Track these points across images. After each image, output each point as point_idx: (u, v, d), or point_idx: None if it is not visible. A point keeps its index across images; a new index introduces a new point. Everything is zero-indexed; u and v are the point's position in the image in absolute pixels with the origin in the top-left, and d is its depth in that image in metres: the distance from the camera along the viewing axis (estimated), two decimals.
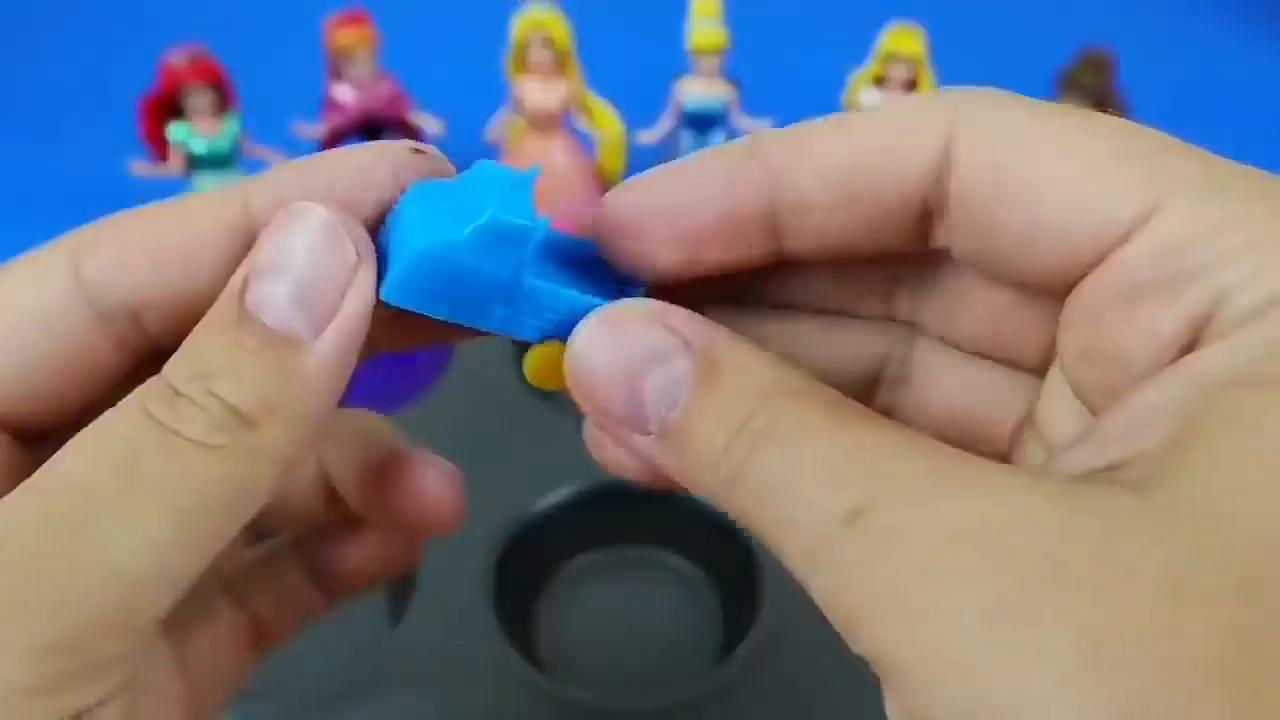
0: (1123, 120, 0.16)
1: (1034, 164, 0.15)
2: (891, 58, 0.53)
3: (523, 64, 0.54)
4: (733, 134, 0.56)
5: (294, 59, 0.56)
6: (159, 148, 0.53)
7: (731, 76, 0.55)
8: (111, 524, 0.16)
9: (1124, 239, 0.15)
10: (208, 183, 0.53)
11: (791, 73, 0.64)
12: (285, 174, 0.18)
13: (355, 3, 0.54)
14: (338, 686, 0.37)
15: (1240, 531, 0.12)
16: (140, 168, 0.53)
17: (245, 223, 0.18)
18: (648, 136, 0.57)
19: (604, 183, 0.59)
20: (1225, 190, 0.15)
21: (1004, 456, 0.18)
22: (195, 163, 0.53)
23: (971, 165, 0.16)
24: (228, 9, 0.80)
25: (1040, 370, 0.18)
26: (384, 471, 0.24)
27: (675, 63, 0.55)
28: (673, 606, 0.42)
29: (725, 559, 0.42)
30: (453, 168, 0.19)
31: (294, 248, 0.17)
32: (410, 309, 0.17)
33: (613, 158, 0.59)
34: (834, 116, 0.17)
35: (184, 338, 0.17)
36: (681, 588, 0.43)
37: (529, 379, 0.19)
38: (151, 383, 0.17)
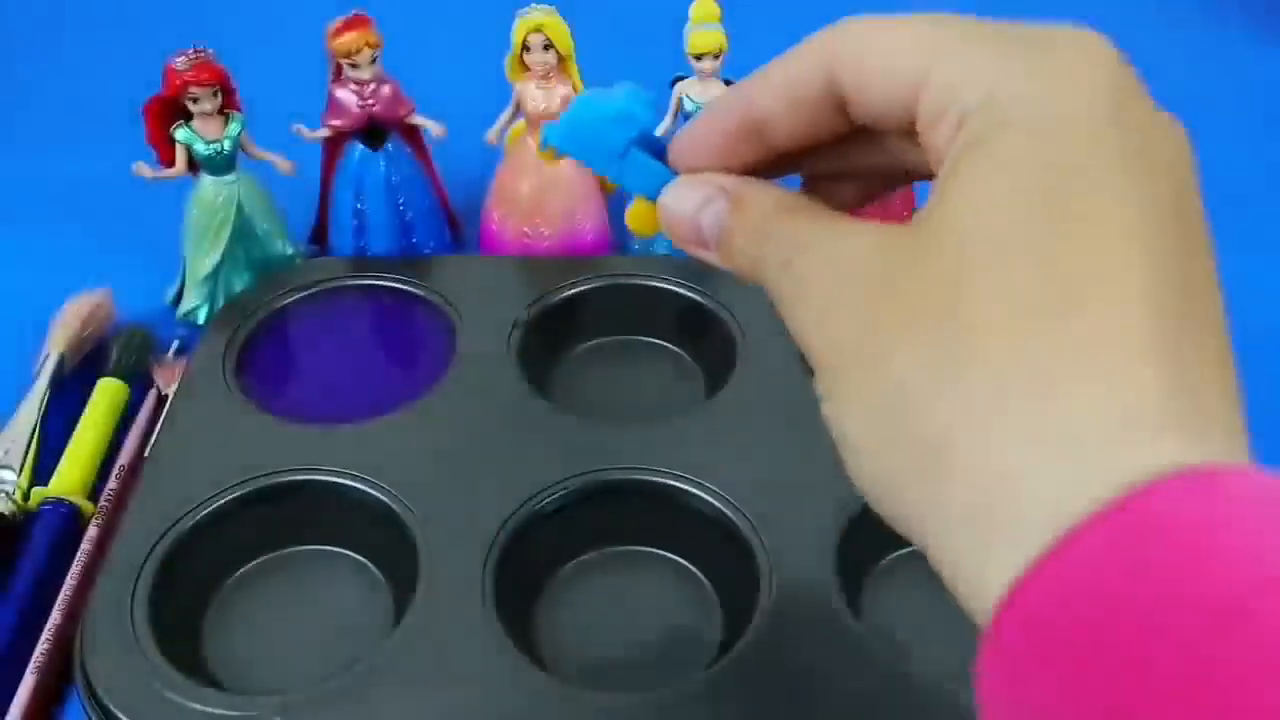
0: (954, 19, 0.23)
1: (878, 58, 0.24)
2: None
3: (523, 66, 0.55)
4: None
5: (296, 62, 0.57)
6: (163, 150, 0.53)
7: (729, 79, 0.55)
8: None
9: (916, 94, 0.23)
10: (211, 184, 0.54)
11: None
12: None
13: (357, 6, 0.54)
14: (339, 685, 0.37)
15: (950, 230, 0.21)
16: (143, 170, 0.53)
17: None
18: None
19: (604, 184, 0.60)
20: (965, 46, 0.22)
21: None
22: (199, 165, 0.53)
23: (850, 74, 0.24)
24: (231, 12, 0.81)
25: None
26: None
27: (675, 65, 0.55)
28: (671, 605, 0.43)
29: (724, 558, 0.42)
30: None
31: None
32: (565, 153, 0.28)
33: None
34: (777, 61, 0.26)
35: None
36: (680, 586, 0.43)
37: (629, 224, 0.28)
38: None
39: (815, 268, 0.23)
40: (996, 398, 0.19)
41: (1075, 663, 0.16)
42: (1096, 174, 0.20)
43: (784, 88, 0.25)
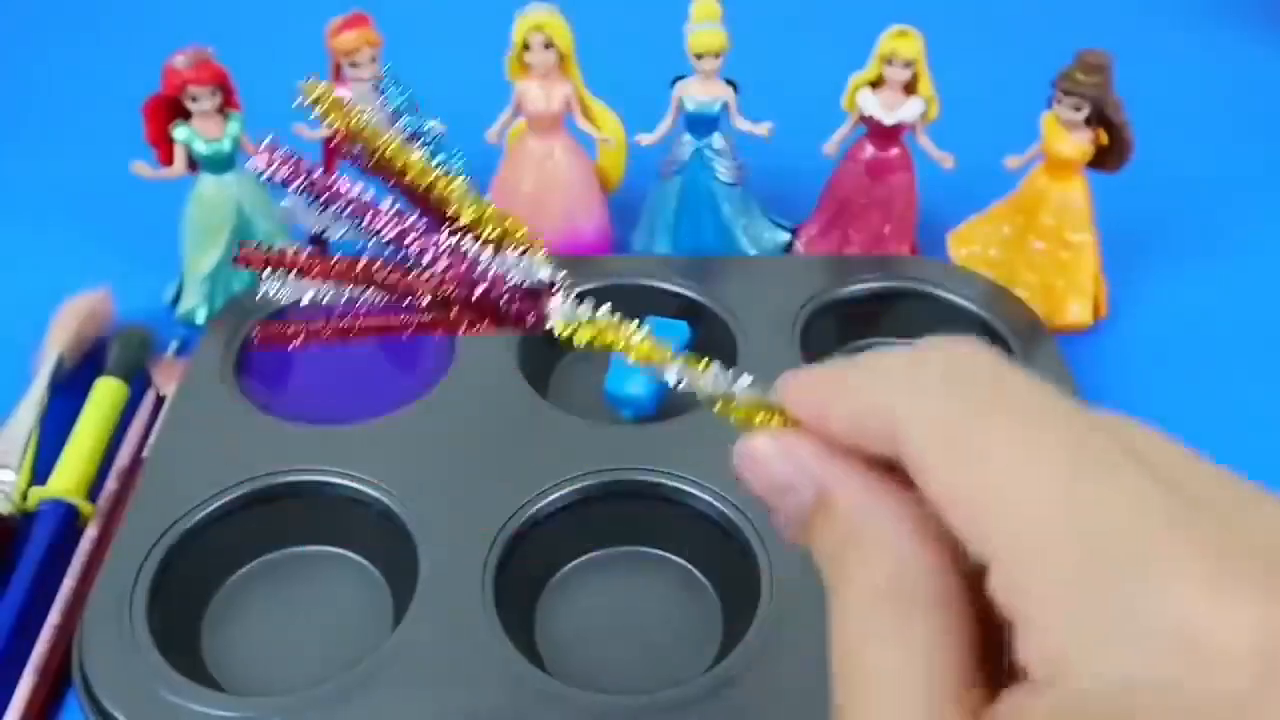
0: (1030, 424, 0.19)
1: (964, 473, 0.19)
2: (890, 60, 0.53)
3: (524, 65, 0.55)
4: (732, 136, 0.57)
5: (296, 61, 0.56)
6: (163, 149, 0.53)
7: (730, 79, 0.55)
8: None
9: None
10: (211, 184, 0.53)
11: (791, 75, 0.64)
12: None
13: (356, 5, 0.54)
14: (339, 685, 0.37)
15: None
16: (142, 169, 0.53)
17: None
18: (647, 138, 0.57)
19: (604, 184, 0.59)
20: (1036, 549, 0.18)
21: None
22: (198, 164, 0.53)
23: (917, 465, 0.20)
24: (231, 11, 0.81)
25: None
26: None
27: (675, 65, 0.55)
28: (672, 606, 0.42)
29: (724, 559, 0.42)
30: None
31: None
32: None
33: (614, 161, 0.59)
34: (844, 369, 0.22)
35: None
36: (681, 587, 0.43)
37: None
38: None
39: (874, 680, 0.19)
40: None
41: None
42: None
43: (845, 428, 0.22)
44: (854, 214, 0.58)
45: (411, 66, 0.56)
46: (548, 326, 0.27)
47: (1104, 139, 0.53)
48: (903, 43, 0.53)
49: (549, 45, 0.53)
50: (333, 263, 0.27)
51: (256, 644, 0.41)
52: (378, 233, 0.27)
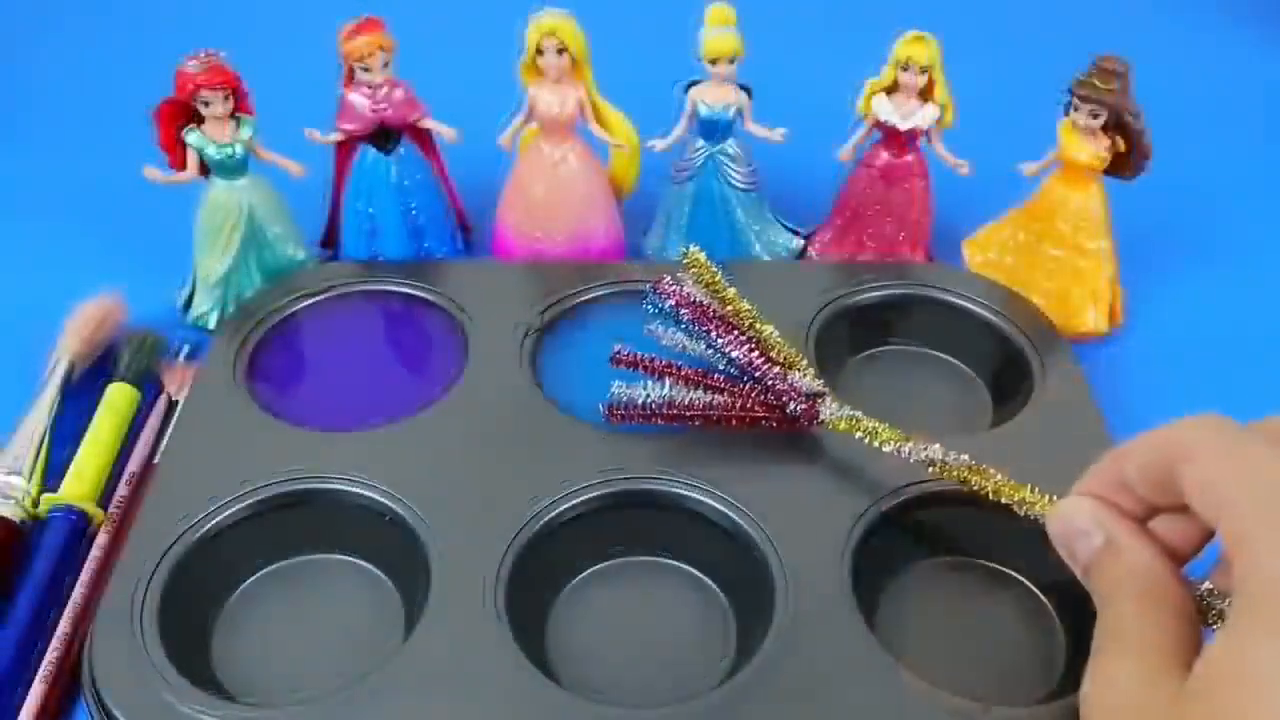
0: None
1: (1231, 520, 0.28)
2: (905, 65, 0.53)
3: (536, 70, 0.54)
4: (746, 142, 0.56)
5: (308, 65, 0.56)
6: (174, 154, 0.53)
7: (743, 84, 0.55)
8: None
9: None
10: (222, 188, 0.53)
11: (805, 80, 0.63)
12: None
13: (369, 9, 0.54)
14: (349, 695, 0.37)
15: None
16: (154, 174, 0.53)
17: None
18: (660, 144, 0.57)
19: (616, 189, 0.59)
20: None
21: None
22: (209, 168, 0.53)
23: (1201, 505, 0.29)
24: (243, 15, 0.80)
25: None
26: None
27: (688, 70, 0.55)
28: (684, 615, 0.42)
29: (737, 567, 0.42)
30: None
31: None
32: None
33: (626, 167, 0.59)
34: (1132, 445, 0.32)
35: None
36: (693, 596, 0.43)
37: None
38: None
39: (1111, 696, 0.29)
40: None
41: None
42: None
43: (1139, 467, 0.31)
44: (868, 220, 0.57)
45: (423, 70, 0.56)
46: (820, 421, 0.44)
47: (1121, 146, 0.52)
48: (918, 48, 0.52)
49: (562, 50, 0.53)
50: (680, 370, 0.44)
51: (267, 652, 0.41)
52: (722, 351, 0.44)
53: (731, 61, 0.53)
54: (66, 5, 0.85)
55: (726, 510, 0.42)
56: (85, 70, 0.78)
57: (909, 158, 0.56)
